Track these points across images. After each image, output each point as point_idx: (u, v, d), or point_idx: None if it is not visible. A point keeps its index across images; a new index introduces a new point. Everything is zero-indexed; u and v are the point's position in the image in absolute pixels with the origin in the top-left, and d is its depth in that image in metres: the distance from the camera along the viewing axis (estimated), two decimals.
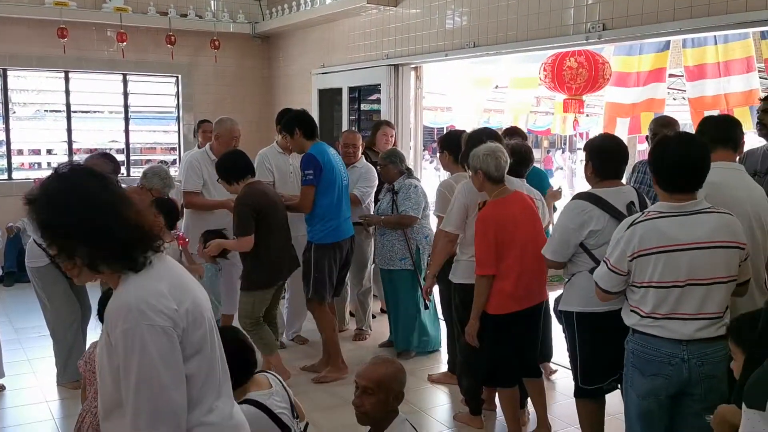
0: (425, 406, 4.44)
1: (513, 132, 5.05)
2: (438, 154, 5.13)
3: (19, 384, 4.70)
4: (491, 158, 3.60)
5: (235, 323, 4.59)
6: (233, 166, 4.46)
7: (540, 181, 4.76)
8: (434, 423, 4.21)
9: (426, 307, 5.14)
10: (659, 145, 2.82)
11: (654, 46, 6.78)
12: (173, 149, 8.90)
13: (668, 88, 7.68)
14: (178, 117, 8.72)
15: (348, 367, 4.80)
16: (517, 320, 3.62)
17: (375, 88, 6.94)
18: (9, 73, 7.77)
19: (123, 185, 3.88)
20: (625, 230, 2.75)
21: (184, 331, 1.80)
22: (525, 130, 7.02)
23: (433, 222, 5.07)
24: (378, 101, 6.91)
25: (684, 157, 2.69)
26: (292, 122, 4.73)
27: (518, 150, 4.07)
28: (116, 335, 1.73)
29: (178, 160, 8.52)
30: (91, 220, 1.75)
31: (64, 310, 4.51)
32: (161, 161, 8.09)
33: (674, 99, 9.65)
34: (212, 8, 8.41)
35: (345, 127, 7.19)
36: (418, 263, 5.10)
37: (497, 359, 3.69)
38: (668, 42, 6.70)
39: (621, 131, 7.17)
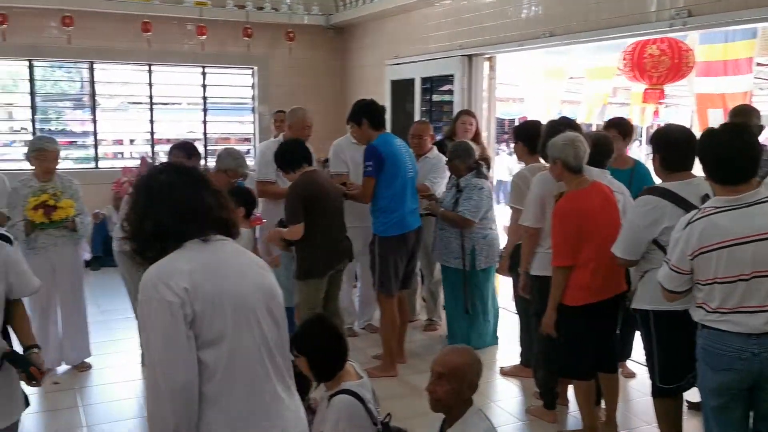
0: (497, 398, 4.43)
1: (615, 124, 4.65)
2: (512, 145, 4.98)
3: (105, 363, 4.94)
4: (570, 147, 3.54)
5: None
6: (289, 155, 4.49)
7: (643, 177, 4.43)
8: (506, 415, 4.19)
9: (466, 311, 5.09)
10: (705, 138, 2.73)
11: (740, 33, 6.51)
12: (248, 139, 9.12)
13: (755, 77, 7.36)
14: (254, 108, 8.93)
15: (406, 358, 4.85)
16: (594, 312, 3.56)
17: (447, 79, 6.91)
18: (96, 66, 8.11)
19: None
20: (682, 229, 2.70)
21: (197, 315, 1.80)
22: (601, 122, 6.82)
23: (505, 214, 4.99)
24: (450, 92, 6.88)
25: (731, 149, 2.61)
26: (360, 112, 4.75)
27: (599, 140, 3.98)
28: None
29: (253, 150, 8.72)
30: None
31: None
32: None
33: (760, 89, 9.23)
34: (287, 1, 8.56)
35: (417, 118, 7.19)
36: (472, 264, 5.01)
37: (574, 351, 3.64)
38: (755, 30, 6.41)
39: (714, 123, 6.93)
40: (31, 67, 7.81)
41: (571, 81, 9.84)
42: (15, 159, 8.10)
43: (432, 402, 2.69)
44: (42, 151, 4.45)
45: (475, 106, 6.60)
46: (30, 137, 7.88)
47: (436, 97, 7.35)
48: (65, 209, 4.39)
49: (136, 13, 7.70)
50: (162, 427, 1.80)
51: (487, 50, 6.42)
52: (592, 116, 10.34)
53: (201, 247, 1.91)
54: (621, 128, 4.55)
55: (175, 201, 1.92)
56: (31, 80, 7.83)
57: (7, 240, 2.59)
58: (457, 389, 2.63)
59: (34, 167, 4.53)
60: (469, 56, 6.57)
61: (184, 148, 4.76)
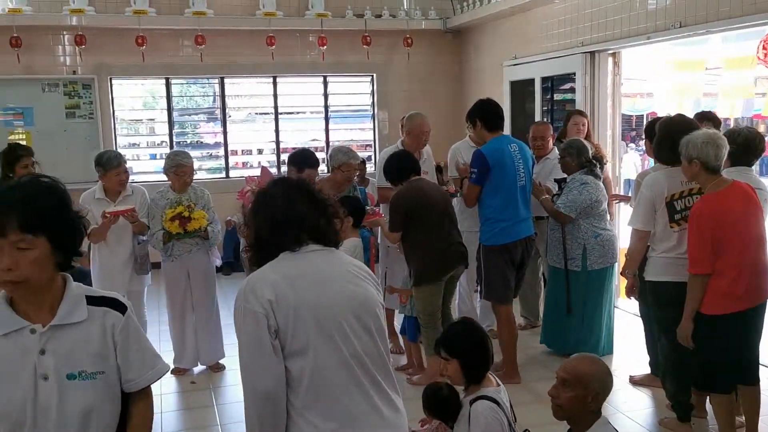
0: (627, 408, 4.23)
1: (706, 117, 4.52)
2: (643, 142, 4.77)
3: (238, 364, 5.15)
4: (711, 146, 3.30)
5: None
6: (396, 167, 4.54)
7: None
8: (637, 427, 4.00)
9: (568, 311, 4.91)
10: None
11: None
12: (369, 146, 9.27)
13: None
14: (373, 114, 9.07)
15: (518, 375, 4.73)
16: (735, 321, 3.32)
17: (569, 78, 6.71)
18: (225, 80, 8.55)
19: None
20: None
21: (281, 326, 1.86)
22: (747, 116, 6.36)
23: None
24: (572, 90, 6.67)
25: None
26: (474, 112, 4.70)
27: (748, 137, 3.72)
28: None
29: (374, 157, 8.86)
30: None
31: None
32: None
33: None
34: (405, 7, 8.63)
35: (538, 118, 7.03)
36: (583, 264, 4.83)
37: (712, 362, 3.42)
38: None
39: None
40: (168, 85, 8.35)
41: (707, 72, 9.27)
42: (156, 171, 8.68)
43: (554, 408, 2.62)
44: (180, 166, 4.72)
45: (598, 104, 6.36)
46: (166, 151, 8.45)
47: (557, 96, 7.16)
48: (198, 220, 4.63)
49: (261, 28, 8.04)
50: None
51: (611, 46, 6.17)
52: (734, 109, 9.66)
53: (291, 257, 1.97)
54: (714, 121, 4.42)
55: (270, 213, 2.01)
56: (168, 97, 8.38)
57: (120, 308, 1.80)
58: (580, 397, 2.54)
59: (171, 181, 4.83)
60: (592, 53, 6.34)
61: (294, 162, 4.80)
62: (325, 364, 1.88)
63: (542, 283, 5.67)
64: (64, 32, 7.77)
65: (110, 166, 4.63)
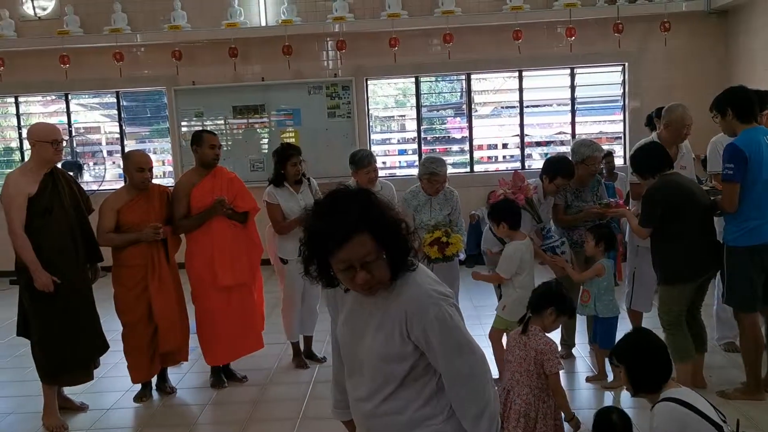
0: None
1: None
2: None
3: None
4: None
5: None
6: (648, 160, 4.24)
7: None
8: None
9: None
10: None
11: None
12: (618, 138, 8.84)
13: None
14: (624, 105, 8.63)
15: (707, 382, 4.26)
16: None
17: None
18: (472, 76, 8.71)
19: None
20: None
21: None
22: None
23: None
24: None
25: None
26: (724, 100, 4.22)
27: None
28: (426, 322, 1.87)
29: (623, 150, 8.45)
30: None
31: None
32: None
33: None
34: None
35: None
36: None
37: None
38: None
39: None
40: (417, 83, 8.73)
41: None
42: (404, 166, 9.15)
43: None
44: (434, 175, 4.86)
45: None
46: (415, 146, 8.85)
47: None
48: (456, 245, 4.69)
49: (508, 23, 8.06)
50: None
51: None
52: None
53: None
54: None
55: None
56: (417, 94, 8.75)
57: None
58: None
59: (423, 186, 4.96)
60: None
61: (548, 169, 4.79)
62: None
63: None
64: (328, 39, 8.49)
65: (361, 164, 4.96)
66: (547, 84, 8.92)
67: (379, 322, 1.94)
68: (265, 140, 8.68)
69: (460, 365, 1.90)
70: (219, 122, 8.66)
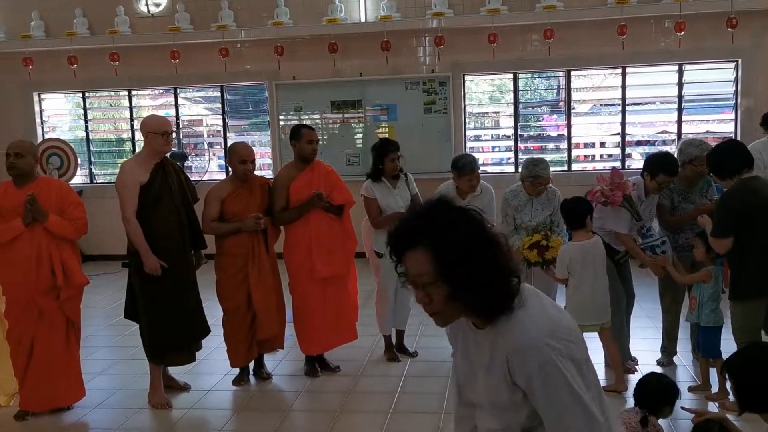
0: None
1: None
2: None
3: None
4: None
5: None
6: (723, 159, 3.96)
7: None
8: None
9: None
10: None
11: None
12: (727, 138, 8.40)
13: None
14: (736, 104, 8.19)
15: None
16: None
17: None
18: (572, 73, 8.49)
19: None
20: None
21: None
22: None
23: None
24: None
25: None
26: None
27: None
28: (529, 372, 1.66)
29: None
30: None
31: (612, 296, 4.68)
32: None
33: None
34: None
35: None
36: None
37: None
38: None
39: None
40: (515, 79, 8.60)
41: None
42: (497, 162, 9.05)
43: None
44: (537, 178, 4.80)
45: None
46: (511, 143, 8.73)
47: None
48: (556, 248, 4.59)
49: (612, 18, 7.81)
50: None
51: None
52: None
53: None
54: None
55: None
56: (515, 90, 8.62)
57: None
58: None
59: (525, 188, 4.89)
60: None
61: (649, 166, 4.57)
62: None
63: None
64: (426, 35, 8.49)
65: (464, 171, 4.93)
66: (651, 81, 8.57)
67: (488, 363, 1.75)
68: (360, 135, 8.79)
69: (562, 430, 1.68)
70: (315, 116, 8.83)
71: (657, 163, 4.54)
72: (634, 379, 4.58)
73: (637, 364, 4.76)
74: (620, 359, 4.47)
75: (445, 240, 1.63)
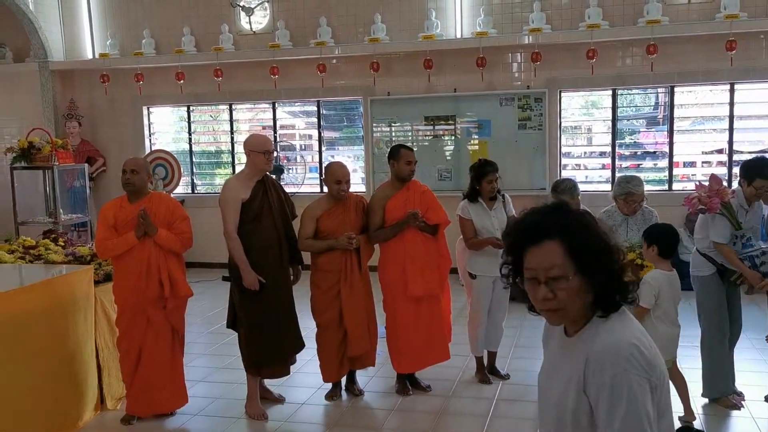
0: None
1: None
2: None
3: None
4: None
5: None
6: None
7: None
8: None
9: None
10: None
11: None
12: None
13: None
14: None
15: None
16: None
17: None
18: (675, 89, 8.18)
19: None
20: None
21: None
22: None
23: None
24: None
25: None
26: None
27: None
28: (600, 381, 1.62)
29: None
30: None
31: (715, 322, 4.49)
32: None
33: None
34: None
35: None
36: None
37: None
38: None
39: None
40: (614, 95, 8.37)
41: None
42: (592, 181, 8.80)
43: None
44: (630, 194, 4.70)
45: None
46: (608, 161, 8.48)
47: None
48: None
49: (720, 32, 7.49)
50: None
51: None
52: None
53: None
54: None
55: None
56: (614, 107, 8.38)
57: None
58: None
59: (618, 206, 4.81)
60: None
61: (746, 171, 4.35)
62: None
63: None
64: (522, 50, 8.39)
65: (563, 194, 4.91)
66: (760, 98, 8.14)
67: (567, 367, 1.73)
68: (450, 149, 8.77)
69: None
70: (407, 127, 8.89)
71: (752, 168, 4.36)
72: (738, 414, 4.38)
73: (744, 399, 4.52)
74: (686, 387, 4.29)
75: (579, 235, 1.68)
